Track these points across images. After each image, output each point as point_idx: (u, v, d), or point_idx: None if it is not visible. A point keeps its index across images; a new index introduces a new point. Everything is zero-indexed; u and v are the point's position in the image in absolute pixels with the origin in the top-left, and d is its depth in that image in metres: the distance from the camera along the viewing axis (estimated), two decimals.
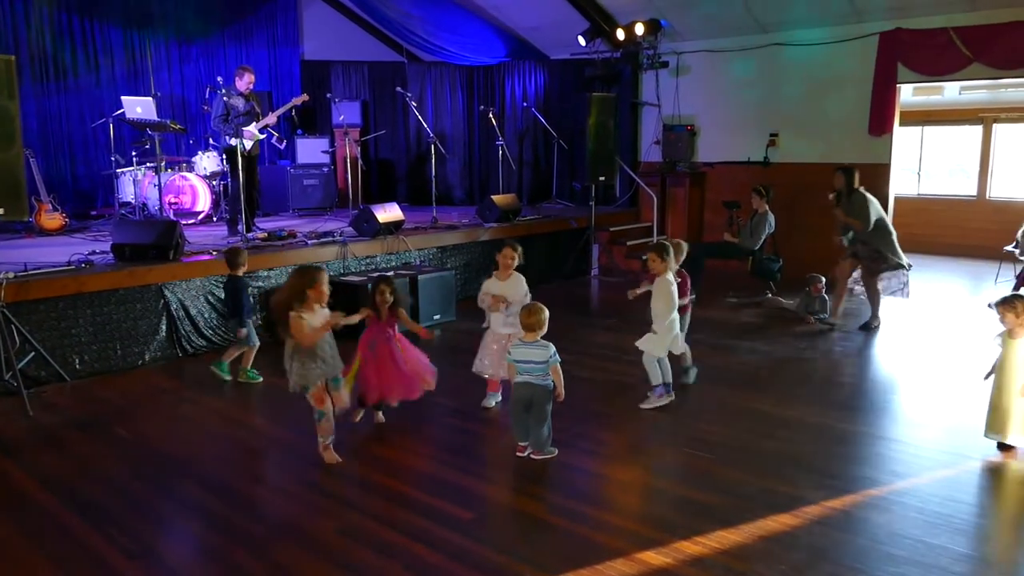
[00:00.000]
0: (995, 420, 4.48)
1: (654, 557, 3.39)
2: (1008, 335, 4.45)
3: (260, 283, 7.15)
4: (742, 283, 9.20)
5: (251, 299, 6.46)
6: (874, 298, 7.49)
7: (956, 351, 6.68)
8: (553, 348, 4.39)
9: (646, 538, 3.57)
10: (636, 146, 11.60)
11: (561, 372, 4.42)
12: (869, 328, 7.40)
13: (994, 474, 4.28)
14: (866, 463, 4.42)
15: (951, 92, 11.69)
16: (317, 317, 4.29)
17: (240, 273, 6.00)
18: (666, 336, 5.21)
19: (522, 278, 5.16)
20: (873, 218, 7.17)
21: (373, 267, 7.98)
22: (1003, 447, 4.48)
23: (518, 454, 4.49)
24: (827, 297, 7.80)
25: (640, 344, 5.24)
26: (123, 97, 9.41)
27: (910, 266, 7.52)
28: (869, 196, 7.29)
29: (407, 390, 4.91)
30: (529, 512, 3.92)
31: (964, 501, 3.99)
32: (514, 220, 9.68)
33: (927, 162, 12.95)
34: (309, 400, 4.36)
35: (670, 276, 5.20)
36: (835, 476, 4.21)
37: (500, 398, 5.28)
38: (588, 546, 3.51)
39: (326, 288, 4.34)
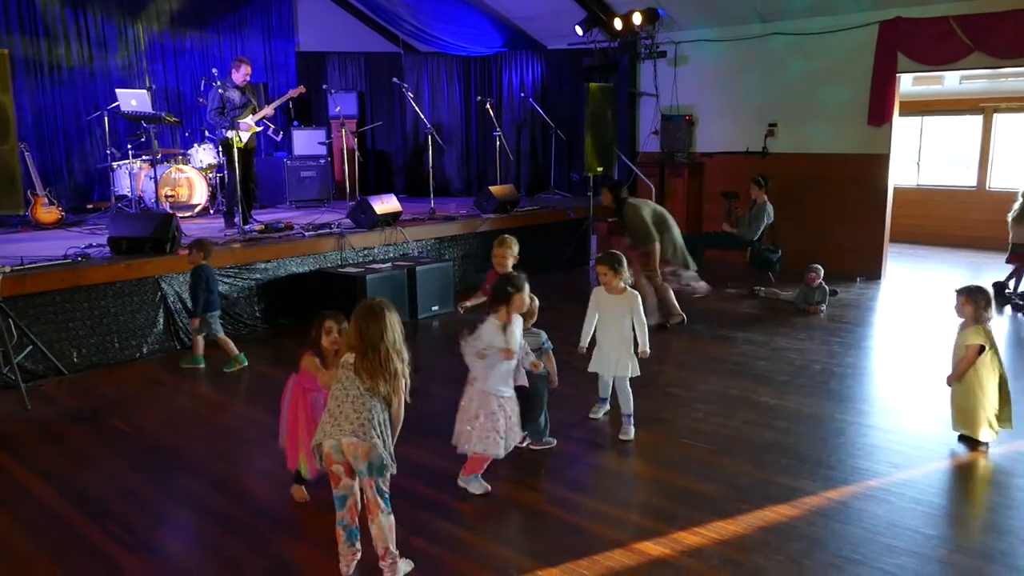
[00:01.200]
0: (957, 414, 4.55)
1: (652, 547, 3.39)
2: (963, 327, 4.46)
3: (258, 275, 7.14)
4: (741, 274, 9.20)
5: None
6: (664, 296, 7.01)
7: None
8: (545, 335, 4.38)
9: (645, 528, 3.57)
10: (634, 136, 11.57)
11: (554, 359, 4.42)
12: (665, 327, 6.99)
13: (992, 465, 4.27)
14: (864, 454, 4.41)
15: (951, 81, 11.66)
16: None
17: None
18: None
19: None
20: (651, 224, 6.82)
21: (371, 258, 7.96)
22: (969, 441, 4.51)
23: (516, 445, 4.48)
24: (826, 287, 7.79)
25: (622, 372, 4.62)
26: (117, 90, 9.37)
27: (696, 268, 7.18)
28: (638, 203, 6.98)
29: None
30: (528, 503, 3.92)
31: (962, 492, 3.99)
32: (512, 211, 9.67)
33: (927, 152, 12.92)
34: (383, 486, 3.15)
35: (631, 288, 4.70)
36: (833, 467, 4.21)
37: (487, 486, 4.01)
38: (587, 536, 3.51)
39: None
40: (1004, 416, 4.43)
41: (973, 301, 4.39)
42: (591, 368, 4.79)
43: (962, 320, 4.50)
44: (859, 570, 3.22)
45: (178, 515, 3.88)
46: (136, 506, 3.87)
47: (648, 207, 7.01)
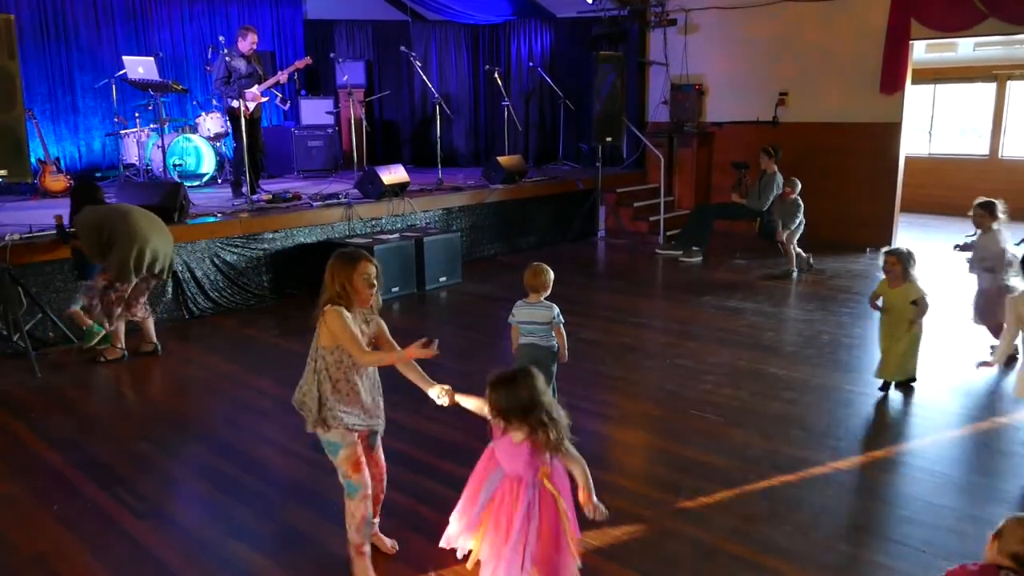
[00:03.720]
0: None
1: (660, 518, 3.40)
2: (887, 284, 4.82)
3: (265, 246, 7.13)
4: (750, 244, 9.15)
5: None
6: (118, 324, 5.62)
7: (963, 313, 6.63)
8: (556, 309, 4.36)
9: (652, 499, 3.58)
10: (643, 106, 11.45)
11: (564, 333, 4.40)
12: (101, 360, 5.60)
13: (999, 435, 4.27)
14: (872, 425, 4.41)
15: (965, 48, 11.44)
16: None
17: None
18: None
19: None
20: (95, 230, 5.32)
21: (379, 229, 7.94)
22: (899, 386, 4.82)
23: None
24: (800, 202, 7.95)
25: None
26: (124, 57, 9.30)
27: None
28: (96, 214, 5.38)
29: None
30: None
31: (970, 462, 3.99)
32: (520, 181, 9.62)
33: (939, 121, 12.76)
34: (338, 466, 3.07)
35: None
36: (841, 438, 4.21)
37: None
38: None
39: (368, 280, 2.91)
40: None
41: (904, 260, 4.72)
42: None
43: (884, 279, 4.85)
44: (865, 539, 3.23)
45: (187, 483, 3.92)
46: (146, 473, 3.90)
47: (100, 220, 5.36)
